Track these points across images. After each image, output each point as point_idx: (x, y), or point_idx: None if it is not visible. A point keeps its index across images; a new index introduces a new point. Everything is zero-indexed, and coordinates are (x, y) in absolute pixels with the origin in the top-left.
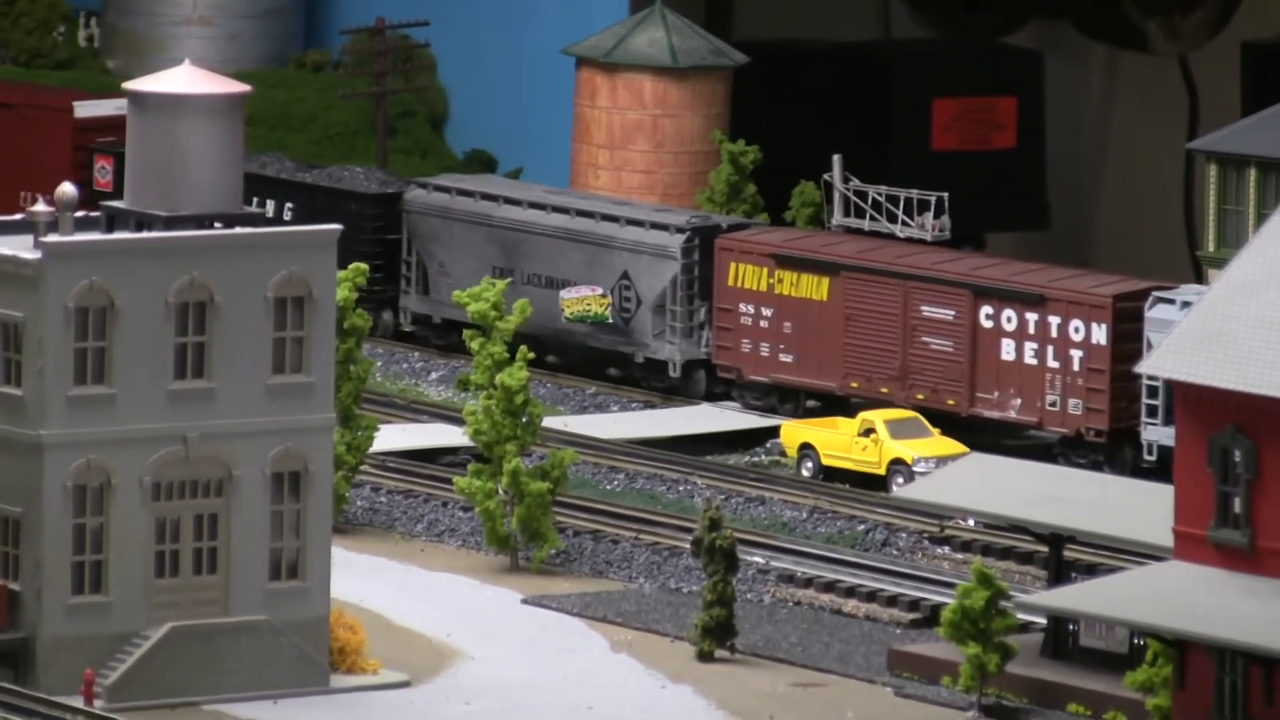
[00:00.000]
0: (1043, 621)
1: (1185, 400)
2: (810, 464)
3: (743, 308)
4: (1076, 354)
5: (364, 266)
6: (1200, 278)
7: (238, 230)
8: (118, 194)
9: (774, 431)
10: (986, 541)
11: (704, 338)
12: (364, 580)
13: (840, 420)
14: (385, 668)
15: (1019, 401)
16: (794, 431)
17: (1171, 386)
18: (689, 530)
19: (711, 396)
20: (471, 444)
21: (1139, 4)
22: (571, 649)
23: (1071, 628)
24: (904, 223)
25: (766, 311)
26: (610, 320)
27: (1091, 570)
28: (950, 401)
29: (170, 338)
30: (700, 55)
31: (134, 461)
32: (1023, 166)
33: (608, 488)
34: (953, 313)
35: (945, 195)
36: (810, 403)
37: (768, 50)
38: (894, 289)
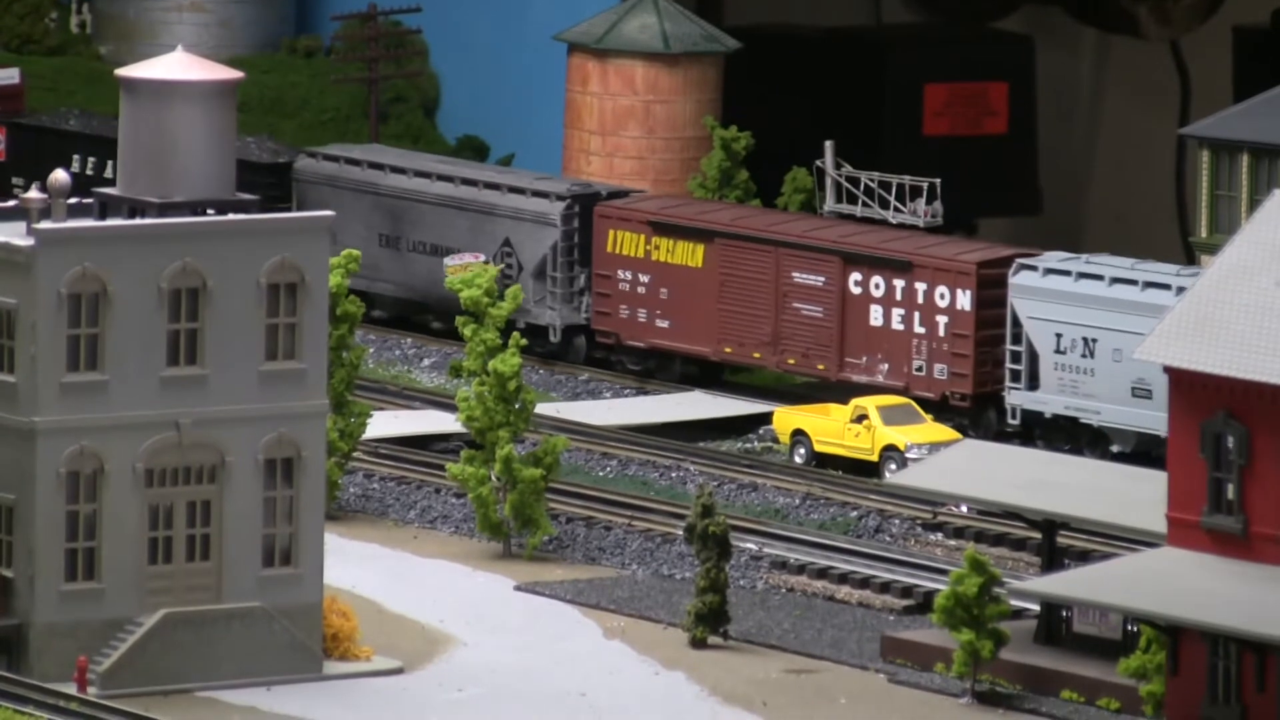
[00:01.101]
0: (1036, 608)
1: (1178, 386)
2: (803, 450)
3: (621, 274)
4: (942, 320)
5: (355, 253)
6: (1192, 263)
7: (230, 217)
8: (10, 165)
9: (767, 418)
10: (979, 528)
11: (583, 303)
12: (357, 567)
13: (833, 407)
14: (378, 654)
15: (886, 366)
16: (787, 418)
17: (1034, 353)
18: (682, 517)
19: (591, 361)
20: (464, 430)
21: None
22: (564, 635)
23: (1065, 614)
24: (896, 208)
25: (644, 278)
26: None
27: (1084, 556)
28: (820, 366)
29: (163, 324)
30: (692, 41)
31: (127, 448)
32: (1014, 152)
33: (600, 474)
34: (823, 279)
35: (937, 181)
36: (689, 369)
37: (759, 36)
38: (766, 255)
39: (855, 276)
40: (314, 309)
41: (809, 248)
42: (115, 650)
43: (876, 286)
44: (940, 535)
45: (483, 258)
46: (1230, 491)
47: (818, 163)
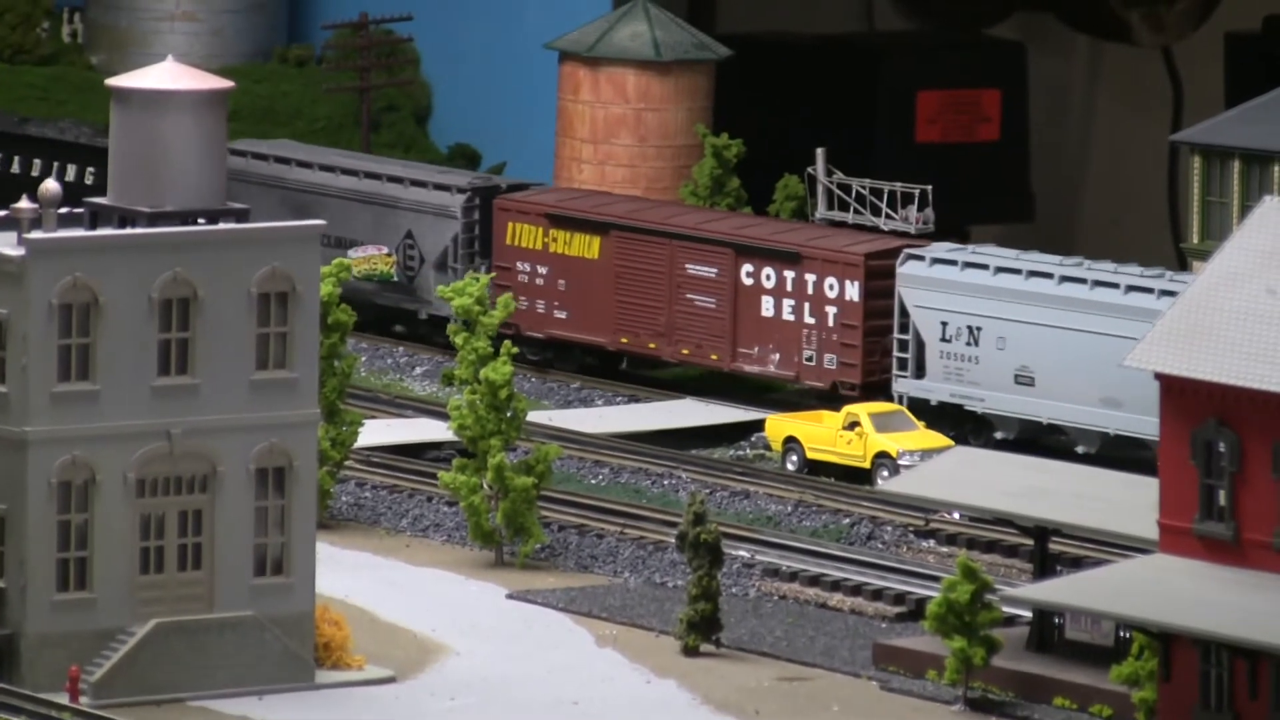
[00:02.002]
0: (1028, 615)
1: (1169, 392)
2: (795, 458)
3: (520, 266)
4: (831, 310)
5: (346, 261)
6: (1184, 269)
7: (221, 226)
8: None
9: (759, 425)
10: (971, 535)
11: None
12: (349, 576)
13: (825, 414)
14: (370, 663)
15: (778, 356)
16: (779, 425)
17: (920, 342)
18: (674, 524)
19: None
20: (456, 439)
21: None
22: (556, 644)
23: (1057, 621)
24: (888, 215)
25: (542, 269)
26: (395, 278)
27: (1076, 563)
28: (713, 356)
29: (154, 334)
30: (683, 49)
31: (118, 458)
32: (1007, 159)
33: (592, 482)
34: (715, 270)
35: (929, 188)
36: (587, 359)
37: (751, 43)
38: (661, 248)
39: (747, 268)
40: (305, 318)
41: (702, 240)
42: (107, 660)
43: (768, 278)
44: (932, 542)
45: (385, 250)
46: (1222, 498)
47: (810, 170)
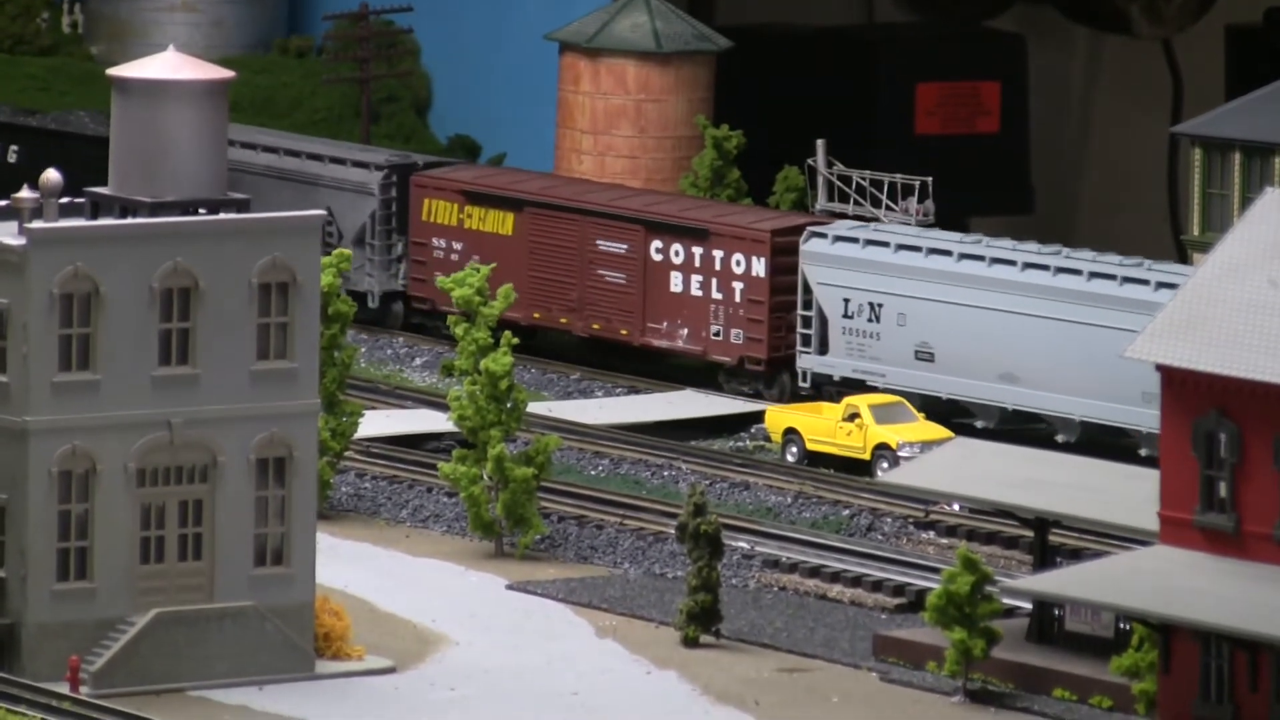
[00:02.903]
0: (1028, 606)
1: (1170, 384)
2: (795, 449)
3: (435, 242)
4: (738, 286)
5: (347, 252)
6: (1184, 261)
7: (222, 216)
8: None
9: (759, 417)
10: (971, 526)
11: (400, 271)
12: (349, 566)
13: (825, 405)
14: (370, 654)
15: (686, 331)
16: (779, 417)
17: (823, 318)
18: (674, 516)
19: (409, 327)
20: (456, 430)
21: None
22: (556, 634)
23: (1057, 612)
24: (888, 207)
25: (457, 245)
26: None
27: (1076, 555)
28: (623, 331)
29: (155, 324)
30: (684, 40)
31: (119, 447)
32: (1006, 151)
33: (592, 473)
34: (626, 247)
35: (929, 180)
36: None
37: (751, 35)
38: (573, 224)
39: (656, 244)
40: (305, 308)
41: (613, 216)
42: (107, 650)
43: (676, 254)
44: (932, 534)
45: None
46: (1222, 490)
47: (810, 161)
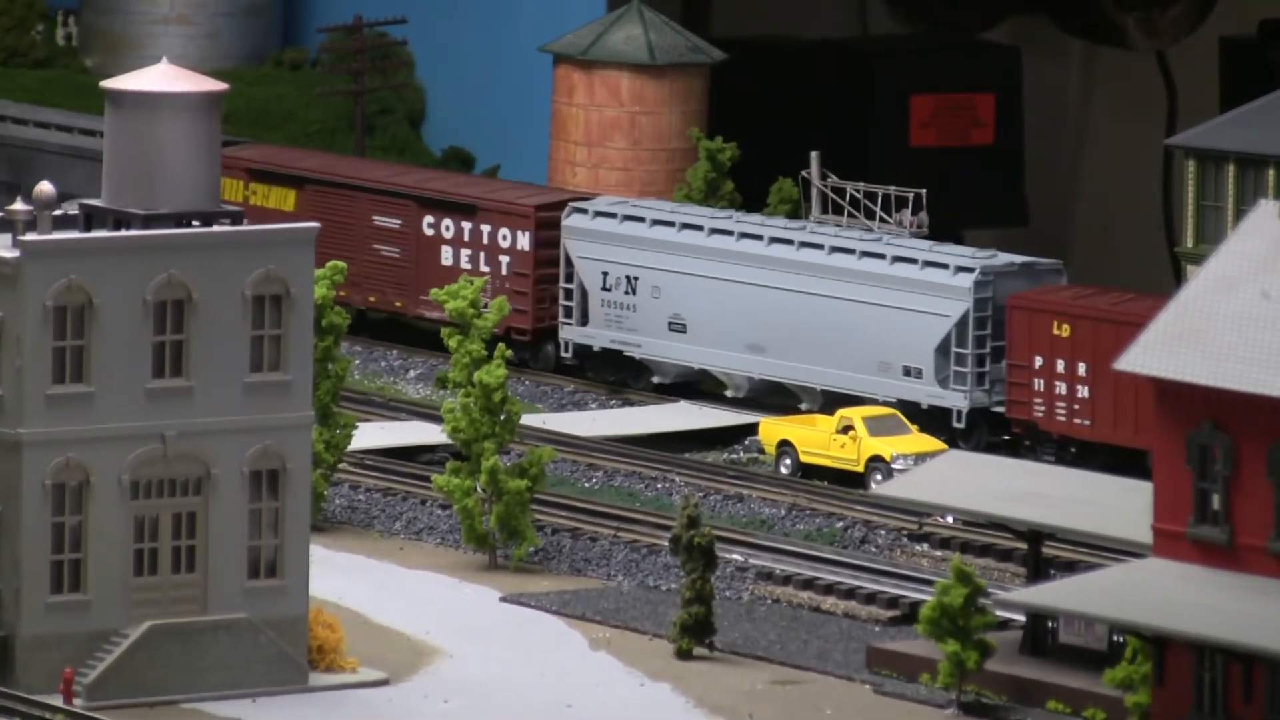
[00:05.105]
0: (1022, 618)
1: (1163, 396)
2: (789, 461)
3: None
4: (505, 259)
5: (342, 265)
6: (1179, 274)
7: (215, 228)
8: None
9: (753, 429)
10: (965, 538)
11: None
12: (342, 578)
13: (819, 417)
14: (364, 666)
15: None
16: (772, 428)
17: (584, 291)
18: (667, 528)
19: None
20: (450, 442)
21: (1117, 0)
22: (550, 647)
23: (1050, 625)
24: (882, 219)
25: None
26: None
27: (1070, 567)
28: (398, 304)
29: (148, 336)
30: (678, 52)
31: (112, 460)
32: (1001, 163)
33: (586, 485)
34: (400, 222)
35: (923, 191)
36: None
37: (745, 47)
38: (351, 200)
39: (429, 219)
40: (299, 321)
41: (388, 193)
42: (101, 662)
43: (447, 229)
44: (926, 546)
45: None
46: (1216, 502)
47: (803, 173)
